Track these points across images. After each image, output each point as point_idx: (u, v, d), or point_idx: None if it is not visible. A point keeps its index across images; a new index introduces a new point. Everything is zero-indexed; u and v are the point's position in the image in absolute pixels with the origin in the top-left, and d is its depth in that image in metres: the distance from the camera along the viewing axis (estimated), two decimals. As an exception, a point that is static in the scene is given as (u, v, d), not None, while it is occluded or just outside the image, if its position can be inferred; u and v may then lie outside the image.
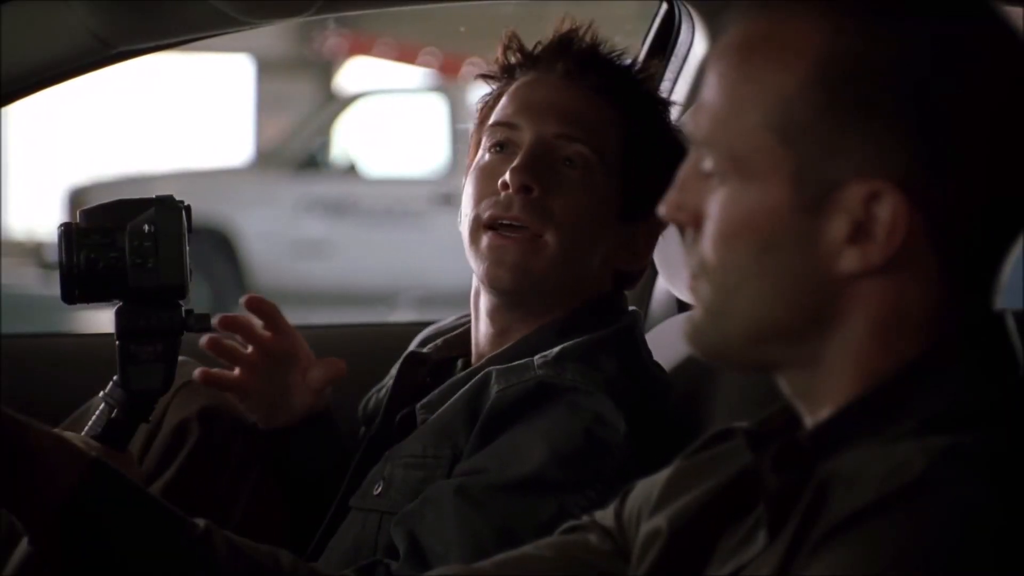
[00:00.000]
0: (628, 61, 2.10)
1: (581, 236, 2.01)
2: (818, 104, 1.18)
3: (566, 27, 2.08)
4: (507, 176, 1.99)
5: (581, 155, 2.01)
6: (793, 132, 1.19)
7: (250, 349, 2.16)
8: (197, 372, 2.13)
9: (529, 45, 2.10)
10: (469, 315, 2.12)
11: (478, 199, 2.02)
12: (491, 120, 2.06)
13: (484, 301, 2.06)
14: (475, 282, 2.07)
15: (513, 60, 2.09)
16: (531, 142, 2.01)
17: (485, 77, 2.13)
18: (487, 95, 2.11)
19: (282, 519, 2.15)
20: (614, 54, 2.09)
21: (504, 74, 2.10)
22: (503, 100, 2.07)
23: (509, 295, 2.02)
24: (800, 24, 1.20)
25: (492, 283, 2.01)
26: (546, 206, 1.99)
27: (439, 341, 2.17)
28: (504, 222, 1.99)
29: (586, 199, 2.01)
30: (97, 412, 1.94)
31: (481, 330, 2.07)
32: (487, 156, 2.05)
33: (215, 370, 2.16)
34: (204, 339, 2.12)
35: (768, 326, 1.21)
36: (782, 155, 1.19)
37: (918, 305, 1.19)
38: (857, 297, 1.19)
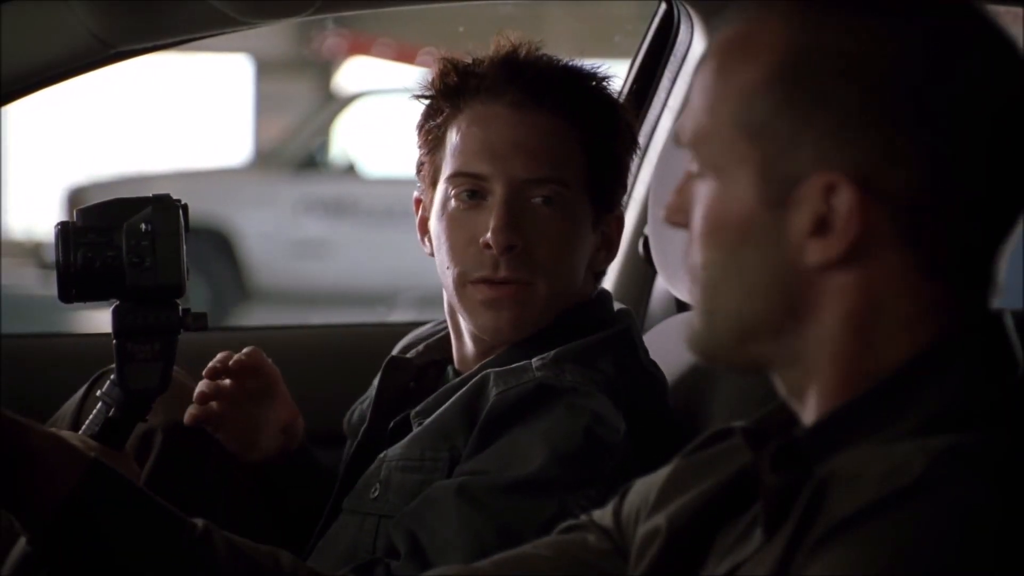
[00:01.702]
0: (569, 63, 2.04)
1: (567, 269, 2.01)
2: (778, 99, 1.19)
3: (505, 46, 2.02)
4: (489, 237, 1.96)
5: (554, 192, 1.99)
6: (757, 128, 1.20)
7: (227, 381, 2.12)
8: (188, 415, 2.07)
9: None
10: (446, 321, 2.11)
11: (459, 255, 2.00)
12: (453, 167, 2.00)
13: (467, 328, 2.04)
14: (447, 300, 2.06)
15: (451, 82, 2.03)
16: (504, 195, 1.98)
17: (421, 97, 2.06)
18: (430, 118, 2.05)
19: (267, 526, 2.13)
20: (558, 64, 2.03)
21: (443, 97, 2.03)
22: (456, 139, 2.01)
23: (505, 343, 2.02)
24: (771, 24, 1.22)
25: (491, 336, 2.01)
26: (531, 257, 1.98)
27: (420, 347, 2.16)
28: (495, 282, 1.98)
29: (565, 231, 2.00)
30: (95, 411, 1.95)
31: (465, 344, 2.06)
32: (458, 205, 2.00)
33: (192, 408, 2.10)
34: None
35: (748, 322, 1.22)
36: (748, 151, 1.21)
37: (894, 301, 1.19)
38: (827, 291, 1.20)
